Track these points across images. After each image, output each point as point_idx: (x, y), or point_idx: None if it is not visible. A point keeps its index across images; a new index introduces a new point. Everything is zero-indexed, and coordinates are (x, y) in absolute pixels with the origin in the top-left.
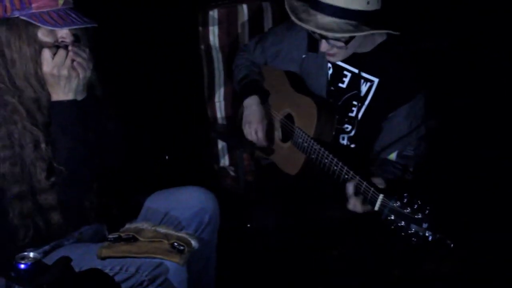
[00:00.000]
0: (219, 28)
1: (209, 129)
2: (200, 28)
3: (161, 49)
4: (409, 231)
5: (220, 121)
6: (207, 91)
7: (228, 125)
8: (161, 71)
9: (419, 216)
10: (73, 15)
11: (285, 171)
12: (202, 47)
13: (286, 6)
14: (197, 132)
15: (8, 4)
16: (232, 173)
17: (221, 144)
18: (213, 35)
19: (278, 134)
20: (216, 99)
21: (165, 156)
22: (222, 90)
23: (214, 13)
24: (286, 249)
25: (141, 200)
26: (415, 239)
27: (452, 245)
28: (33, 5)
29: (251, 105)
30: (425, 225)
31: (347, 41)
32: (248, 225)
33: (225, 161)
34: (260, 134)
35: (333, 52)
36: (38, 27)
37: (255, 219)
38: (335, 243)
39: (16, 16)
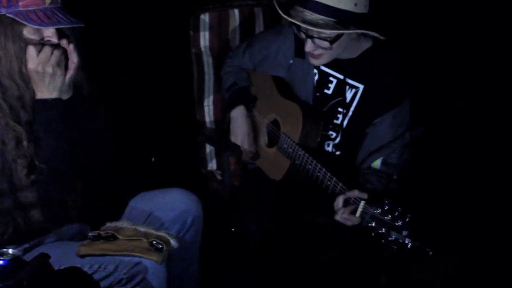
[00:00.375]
0: (210, 33)
1: (197, 132)
2: (191, 32)
3: (152, 50)
4: (389, 238)
5: (208, 125)
6: (197, 94)
7: (216, 129)
8: (151, 73)
9: (399, 223)
10: (60, 14)
11: (270, 176)
12: (193, 50)
13: (274, 2)
14: (185, 135)
15: None
16: (219, 177)
17: (209, 148)
18: (204, 39)
19: (264, 139)
20: (205, 103)
21: (151, 158)
22: (211, 94)
23: (205, 17)
24: (270, 254)
25: (125, 200)
26: (395, 247)
27: (431, 253)
28: (20, 3)
29: (237, 118)
30: (405, 233)
31: (332, 41)
32: (233, 229)
33: (212, 165)
34: (246, 146)
35: (318, 53)
36: (24, 25)
37: (240, 223)
38: (320, 249)
39: (3, 13)
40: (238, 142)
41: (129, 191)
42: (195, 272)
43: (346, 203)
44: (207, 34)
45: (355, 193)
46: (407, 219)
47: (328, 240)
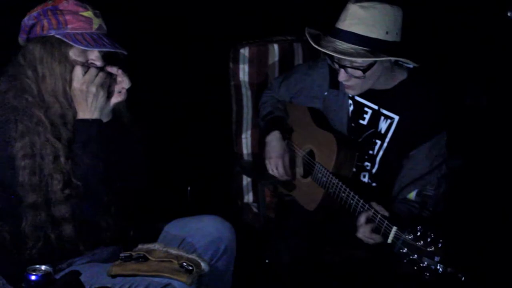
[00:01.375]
0: (250, 66)
1: (235, 164)
2: (231, 65)
3: (192, 82)
4: (422, 265)
5: (245, 157)
6: (235, 126)
7: (254, 161)
8: (191, 103)
9: (432, 249)
10: (105, 39)
11: (304, 206)
12: (232, 83)
13: (306, 34)
14: (223, 167)
15: (45, 23)
16: (255, 210)
17: (246, 180)
18: (243, 72)
19: (299, 170)
20: (243, 136)
21: (187, 187)
22: (249, 127)
23: (245, 51)
24: (303, 285)
25: (160, 226)
26: (427, 274)
27: (463, 278)
28: (69, 26)
29: (272, 141)
30: (437, 259)
31: (365, 70)
32: (267, 261)
33: (249, 197)
34: (280, 169)
35: (351, 84)
36: (71, 46)
37: (274, 255)
38: (352, 283)
39: (52, 34)
40: (272, 165)
41: (164, 218)
42: None
43: (369, 221)
44: (246, 67)
45: (376, 207)
46: (440, 245)
47: (364, 273)
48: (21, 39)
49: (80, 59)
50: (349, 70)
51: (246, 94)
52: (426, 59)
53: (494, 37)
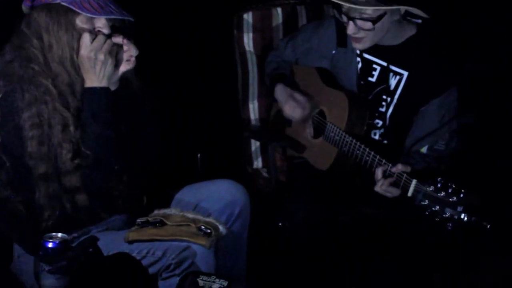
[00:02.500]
0: (254, 32)
1: (243, 130)
2: (235, 32)
3: (197, 48)
4: (444, 215)
5: (253, 122)
6: (241, 93)
7: (262, 126)
8: (197, 71)
9: (454, 199)
10: (112, 6)
11: (317, 167)
12: (237, 50)
13: None
14: (231, 133)
15: None
16: (265, 174)
17: (254, 146)
18: (248, 38)
19: (310, 131)
20: (250, 101)
21: (197, 154)
22: (256, 92)
23: (248, 17)
24: (318, 247)
25: (172, 193)
26: (450, 224)
27: (488, 226)
28: None
29: (278, 91)
30: (459, 208)
31: (375, 21)
32: (280, 224)
33: (258, 163)
34: (300, 99)
35: (360, 36)
36: (77, 14)
37: (286, 218)
38: (369, 242)
39: (57, 2)
40: (288, 108)
41: (175, 186)
42: (243, 264)
43: (388, 175)
44: (250, 33)
45: (398, 167)
46: (461, 195)
47: (377, 231)
48: (25, 6)
49: (87, 26)
50: (358, 22)
51: (251, 60)
52: (435, 11)
53: None
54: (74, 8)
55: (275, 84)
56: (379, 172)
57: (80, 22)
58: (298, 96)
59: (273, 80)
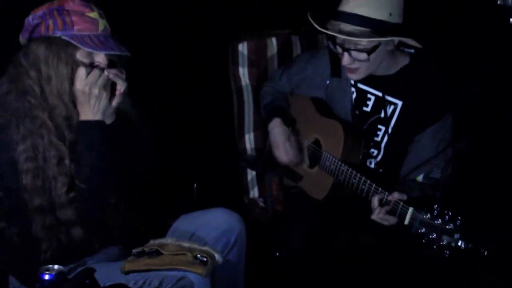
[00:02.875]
0: (249, 65)
1: (239, 160)
2: (231, 65)
3: (193, 79)
4: (441, 243)
5: (249, 152)
6: (237, 124)
7: (258, 156)
8: (193, 101)
9: (451, 227)
10: (112, 41)
11: (313, 196)
12: (233, 82)
13: (309, 17)
14: (227, 164)
15: (51, 24)
16: (261, 204)
17: (250, 175)
18: (243, 71)
19: (305, 160)
20: (246, 131)
21: (193, 184)
22: (251, 123)
23: (243, 48)
24: (315, 275)
25: (168, 223)
26: (447, 252)
27: (486, 253)
28: (75, 28)
29: (274, 128)
30: (457, 236)
31: (370, 52)
32: (277, 254)
33: (254, 192)
34: (291, 152)
35: (355, 67)
36: (78, 48)
37: (283, 247)
38: (366, 270)
39: (58, 36)
40: (281, 151)
41: (172, 216)
42: None
43: (384, 203)
44: (246, 68)
45: (395, 195)
46: (458, 222)
47: (375, 259)
48: (23, 38)
49: (86, 60)
50: (353, 53)
51: (247, 91)
52: (427, 42)
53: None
54: (75, 43)
55: (271, 118)
56: (375, 201)
57: (80, 56)
58: (293, 142)
59: (270, 112)
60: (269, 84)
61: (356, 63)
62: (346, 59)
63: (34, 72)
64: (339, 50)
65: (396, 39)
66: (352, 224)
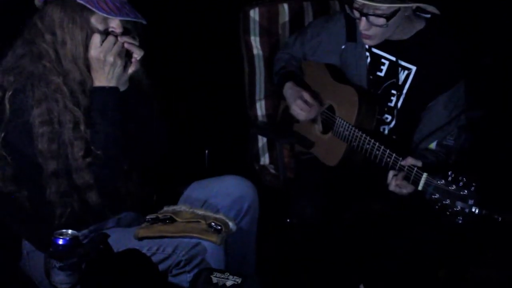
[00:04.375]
0: (260, 34)
1: (250, 126)
2: (242, 34)
3: (204, 46)
4: (455, 209)
5: (260, 119)
6: (248, 91)
7: (269, 122)
8: (204, 68)
9: (465, 193)
10: (128, 7)
11: (325, 163)
12: (244, 51)
13: None
14: (238, 131)
15: None
16: (272, 171)
17: (261, 142)
18: (255, 40)
19: (318, 126)
20: (257, 98)
21: (205, 151)
22: (263, 91)
23: (255, 13)
24: (326, 243)
25: (180, 190)
26: (460, 218)
27: (500, 219)
28: None
29: (287, 90)
30: (471, 202)
31: (388, 17)
32: (288, 220)
33: (265, 159)
34: (305, 107)
35: (371, 34)
36: (93, 12)
37: (295, 214)
38: (377, 237)
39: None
40: (297, 108)
41: (183, 182)
42: (252, 260)
43: (397, 169)
44: (257, 37)
45: (408, 160)
46: (473, 188)
47: (387, 226)
48: (38, 0)
49: (101, 26)
50: (371, 18)
51: (258, 59)
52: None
53: None
54: (90, 7)
55: (284, 83)
56: (391, 172)
57: (95, 21)
58: (307, 96)
59: (282, 78)
60: (283, 51)
61: (372, 28)
62: (363, 24)
63: (49, 36)
64: (357, 15)
65: (416, 5)
66: (364, 191)
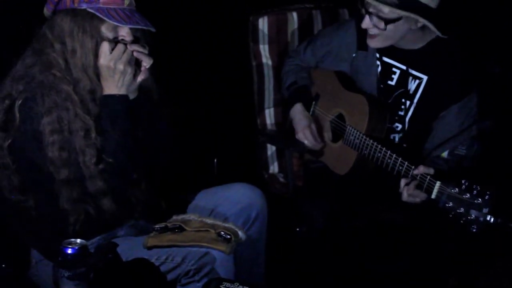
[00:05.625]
0: (269, 43)
1: (259, 134)
2: (251, 44)
3: (213, 54)
4: (469, 217)
5: (269, 127)
6: (257, 99)
7: (278, 131)
8: (213, 77)
9: (479, 201)
10: (137, 16)
11: (335, 171)
12: (253, 60)
13: None
14: (247, 139)
15: None
16: (281, 180)
17: (270, 150)
18: (264, 49)
19: (328, 135)
20: (266, 106)
21: (213, 160)
22: (271, 97)
23: (263, 23)
24: (335, 251)
25: (188, 198)
26: (475, 227)
27: None
28: (101, 0)
29: (295, 115)
30: (485, 210)
31: (387, 22)
32: (297, 229)
33: (274, 168)
34: (310, 137)
35: (373, 33)
36: (103, 21)
37: (304, 223)
38: (387, 246)
39: (83, 8)
40: (302, 138)
41: (192, 191)
42: (262, 268)
43: (409, 177)
44: (266, 46)
45: (420, 169)
46: (487, 196)
47: (398, 236)
48: (48, 10)
49: (111, 34)
50: (374, 18)
51: (267, 65)
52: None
53: None
54: (101, 16)
55: (293, 103)
56: (402, 182)
57: (105, 29)
58: (314, 132)
59: (293, 95)
60: (291, 61)
61: (374, 29)
62: (365, 21)
63: (59, 45)
64: (363, 11)
65: (417, 18)
66: (374, 200)
